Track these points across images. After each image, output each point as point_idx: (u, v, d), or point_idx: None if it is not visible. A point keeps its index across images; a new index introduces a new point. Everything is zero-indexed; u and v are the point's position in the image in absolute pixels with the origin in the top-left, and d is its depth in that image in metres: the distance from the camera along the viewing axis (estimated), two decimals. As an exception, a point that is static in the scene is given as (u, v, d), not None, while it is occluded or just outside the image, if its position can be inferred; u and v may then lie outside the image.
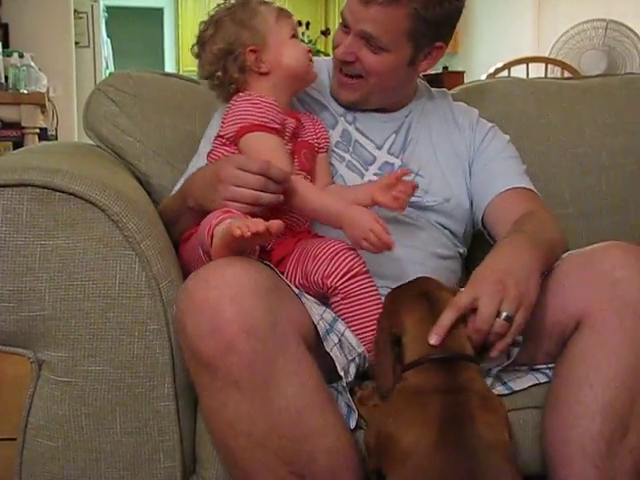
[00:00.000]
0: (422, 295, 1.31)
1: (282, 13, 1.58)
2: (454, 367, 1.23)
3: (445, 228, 1.67)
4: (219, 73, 1.56)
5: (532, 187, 1.69)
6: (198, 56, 1.59)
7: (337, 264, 1.39)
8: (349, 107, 1.72)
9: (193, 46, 1.60)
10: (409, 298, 1.32)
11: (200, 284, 1.17)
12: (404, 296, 1.33)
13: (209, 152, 1.57)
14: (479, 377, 1.26)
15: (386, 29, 1.54)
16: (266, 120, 1.47)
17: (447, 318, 1.24)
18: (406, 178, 1.58)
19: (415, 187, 1.49)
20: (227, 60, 1.54)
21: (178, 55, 10.04)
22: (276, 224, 1.22)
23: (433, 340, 1.23)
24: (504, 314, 1.24)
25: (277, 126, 1.48)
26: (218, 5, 1.60)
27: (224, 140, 1.52)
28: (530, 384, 1.38)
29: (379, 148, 1.70)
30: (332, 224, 1.43)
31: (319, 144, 1.62)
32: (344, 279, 1.39)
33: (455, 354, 1.24)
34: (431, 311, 1.28)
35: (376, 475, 1.24)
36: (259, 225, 1.19)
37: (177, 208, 1.49)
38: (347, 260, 1.40)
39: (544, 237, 1.43)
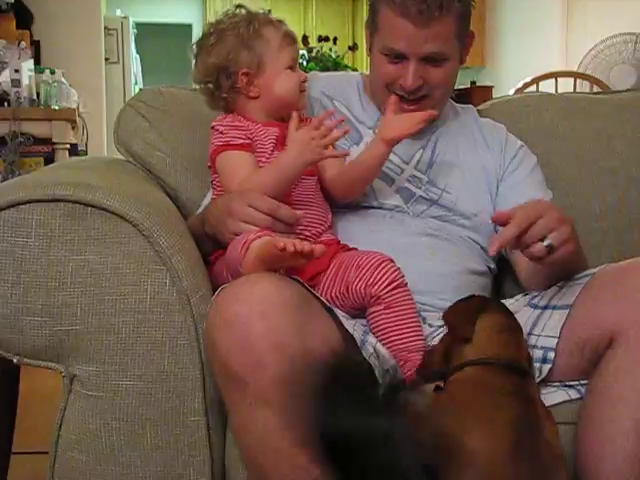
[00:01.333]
0: (503, 307, 1.33)
1: (286, 40, 1.57)
2: (521, 378, 1.22)
3: (476, 243, 1.67)
4: (210, 85, 1.59)
5: None
6: (195, 57, 1.61)
7: (382, 274, 1.41)
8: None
9: (192, 45, 1.62)
10: (492, 305, 1.32)
11: (230, 299, 1.17)
12: (487, 301, 1.34)
13: (211, 180, 1.62)
14: (539, 394, 1.26)
15: (445, 39, 1.56)
16: (228, 139, 1.53)
17: (510, 231, 1.24)
18: (431, 194, 1.63)
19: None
20: (220, 75, 1.56)
21: (206, 71, 10.07)
22: (319, 249, 1.23)
23: (491, 249, 1.24)
24: (548, 241, 1.25)
25: (242, 141, 1.53)
26: (228, 10, 1.60)
27: (213, 168, 1.58)
28: (561, 400, 1.36)
29: (406, 163, 1.70)
30: (298, 174, 1.50)
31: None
32: (388, 288, 1.41)
33: (523, 366, 1.24)
34: (508, 320, 1.28)
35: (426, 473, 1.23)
36: (305, 245, 1.21)
37: (197, 232, 1.50)
38: (391, 271, 1.42)
39: None
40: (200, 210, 1.67)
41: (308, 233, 1.52)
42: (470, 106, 1.90)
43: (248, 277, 1.22)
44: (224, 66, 1.55)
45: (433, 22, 1.52)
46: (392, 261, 1.43)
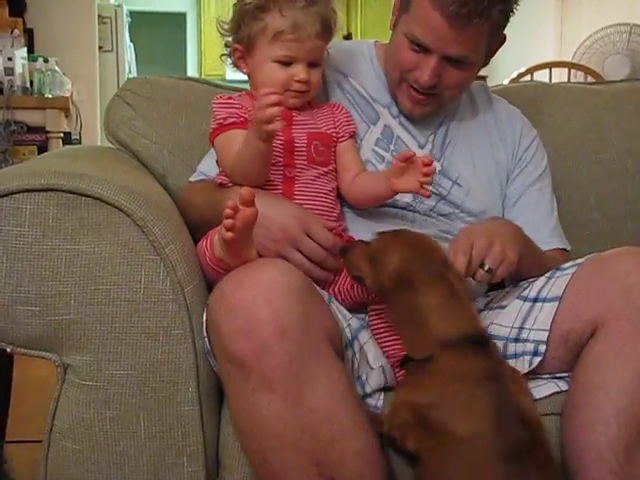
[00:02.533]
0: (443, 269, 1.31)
1: (292, 32, 1.45)
2: (484, 349, 1.24)
3: None
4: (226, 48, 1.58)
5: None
6: None
7: None
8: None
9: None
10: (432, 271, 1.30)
11: (235, 285, 1.18)
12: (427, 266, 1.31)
13: (217, 160, 1.58)
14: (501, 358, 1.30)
15: (475, 46, 1.52)
16: (221, 120, 1.49)
17: (461, 262, 1.32)
18: (441, 188, 1.61)
19: (431, 161, 1.43)
20: (227, 38, 1.56)
21: (201, 60, 10.05)
22: (245, 189, 1.21)
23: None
24: (487, 266, 1.34)
25: (234, 119, 1.48)
26: None
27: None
28: (552, 392, 1.36)
29: (421, 147, 1.66)
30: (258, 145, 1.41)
31: (338, 133, 1.57)
32: None
33: (481, 333, 1.26)
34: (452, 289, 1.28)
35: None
36: (226, 211, 1.19)
37: (206, 216, 1.47)
38: None
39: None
40: (197, 177, 1.65)
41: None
42: (483, 84, 1.85)
43: (252, 264, 1.23)
44: (226, 33, 1.55)
45: (468, 27, 1.45)
46: None
